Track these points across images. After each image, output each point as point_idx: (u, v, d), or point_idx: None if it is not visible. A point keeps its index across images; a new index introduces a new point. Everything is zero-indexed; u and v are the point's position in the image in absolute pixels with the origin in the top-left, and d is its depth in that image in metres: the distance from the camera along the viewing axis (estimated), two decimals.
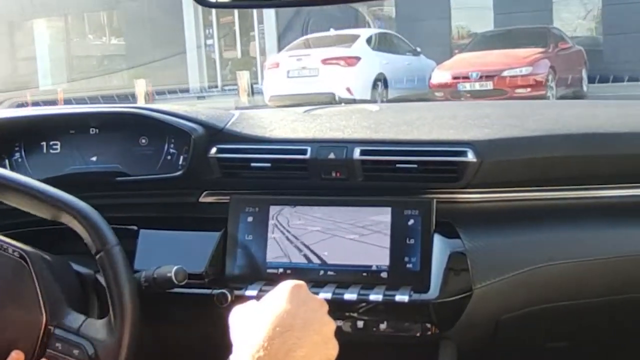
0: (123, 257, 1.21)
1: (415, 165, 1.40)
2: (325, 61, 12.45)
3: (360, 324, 1.33)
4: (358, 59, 12.59)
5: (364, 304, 1.32)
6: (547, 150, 1.42)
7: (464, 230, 1.37)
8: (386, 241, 1.35)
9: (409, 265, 1.33)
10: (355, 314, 1.33)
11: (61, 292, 1.22)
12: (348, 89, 11.97)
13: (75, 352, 1.18)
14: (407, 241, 1.34)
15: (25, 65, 20.90)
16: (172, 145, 1.52)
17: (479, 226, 1.39)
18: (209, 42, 19.85)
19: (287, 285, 0.98)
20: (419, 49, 14.48)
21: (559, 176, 1.43)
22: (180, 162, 1.50)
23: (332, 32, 13.74)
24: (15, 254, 1.20)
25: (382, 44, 13.81)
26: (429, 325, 1.33)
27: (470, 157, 1.37)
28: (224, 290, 1.34)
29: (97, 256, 1.21)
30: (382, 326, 1.33)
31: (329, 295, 1.31)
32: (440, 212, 1.36)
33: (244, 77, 14.55)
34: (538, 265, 1.36)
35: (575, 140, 1.44)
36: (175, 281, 1.26)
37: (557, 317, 1.46)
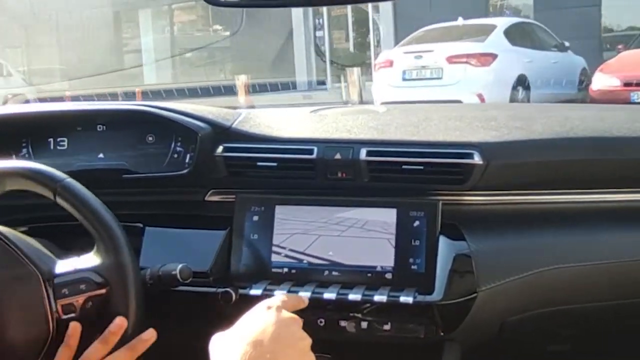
0: (80, 185, 1.22)
1: (421, 167, 1.40)
2: (451, 59, 9.80)
3: (364, 324, 1.33)
4: (494, 56, 9.87)
5: (368, 305, 1.32)
6: (553, 154, 1.42)
7: (469, 232, 1.37)
8: (391, 242, 1.35)
9: (414, 267, 1.33)
10: (359, 315, 1.33)
11: (38, 250, 1.21)
12: (479, 95, 9.34)
13: (82, 286, 1.17)
14: (413, 242, 1.34)
15: (130, 59, 20.19)
16: (178, 144, 1.52)
17: (484, 228, 1.39)
18: (319, 33, 17.83)
19: (259, 306, 1.03)
20: (567, 44, 11.56)
21: (565, 179, 1.43)
22: (187, 161, 1.50)
23: (461, 21, 11.01)
24: None
25: (522, 37, 10.89)
26: (433, 327, 1.33)
27: (477, 159, 1.37)
28: (228, 289, 1.34)
29: (56, 198, 1.20)
30: (386, 327, 1.33)
31: (333, 296, 1.31)
32: (445, 214, 1.36)
33: (354, 73, 12.43)
34: (543, 268, 1.36)
35: (582, 143, 1.44)
36: (180, 279, 1.26)
37: (562, 320, 1.46)
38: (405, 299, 1.29)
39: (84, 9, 18.91)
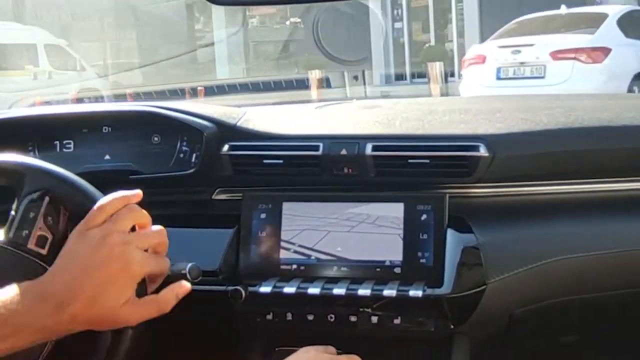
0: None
1: (427, 160, 1.40)
2: (557, 55, 8.42)
3: (374, 319, 1.33)
4: (607, 51, 8.41)
5: (377, 300, 1.32)
6: (559, 144, 1.42)
7: (476, 224, 1.37)
8: (399, 236, 1.35)
9: (423, 260, 1.33)
10: (369, 310, 1.33)
11: None
12: None
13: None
14: (420, 236, 1.34)
15: (204, 53, 19.74)
16: (184, 143, 1.53)
17: (491, 220, 1.39)
18: (397, 25, 16.70)
19: (307, 354, 1.06)
20: None
21: (571, 170, 1.43)
22: (193, 160, 1.51)
23: (564, 10, 9.55)
24: None
25: (638, 27, 9.11)
26: (442, 320, 1.33)
27: (483, 151, 1.37)
28: (238, 287, 1.35)
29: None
30: (396, 321, 1.33)
31: (342, 291, 1.31)
32: (453, 207, 1.36)
33: (436, 67, 11.44)
34: (552, 259, 1.35)
35: (588, 133, 1.43)
36: (189, 278, 1.27)
37: (571, 311, 1.46)
38: (415, 292, 1.29)
39: (160, 2, 18.59)
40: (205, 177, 1.50)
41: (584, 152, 1.43)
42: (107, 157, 1.55)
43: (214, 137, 1.49)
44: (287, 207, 1.41)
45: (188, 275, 1.26)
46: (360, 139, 1.44)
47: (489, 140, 1.38)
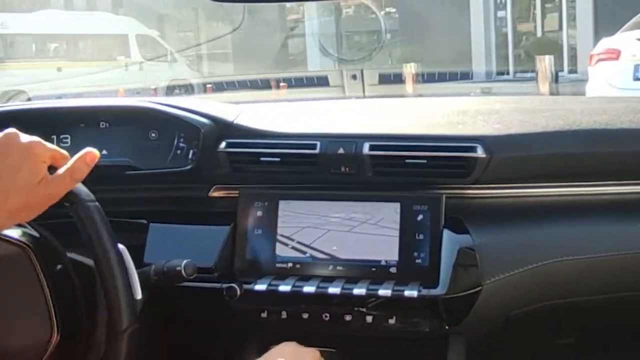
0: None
1: (424, 161, 1.40)
2: None
3: (369, 319, 1.33)
4: None
5: (373, 299, 1.32)
6: (556, 146, 1.42)
7: (473, 225, 1.37)
8: (395, 236, 1.35)
9: (418, 261, 1.33)
10: (364, 309, 1.33)
11: None
12: None
13: None
14: (417, 236, 1.34)
15: (295, 44, 19.10)
16: (181, 140, 1.52)
17: (488, 222, 1.39)
18: (500, 14, 15.01)
19: (278, 347, 1.11)
20: None
21: (568, 172, 1.43)
22: (190, 157, 1.50)
23: None
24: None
25: None
26: (438, 321, 1.33)
27: (480, 152, 1.37)
28: (233, 284, 1.34)
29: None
30: (391, 321, 1.33)
31: (338, 290, 1.31)
32: (449, 208, 1.36)
33: (545, 61, 10.26)
34: (548, 261, 1.35)
35: (585, 136, 1.43)
36: (185, 275, 1.27)
37: (567, 313, 1.46)
38: (410, 293, 1.29)
39: None
40: (202, 174, 1.50)
41: (581, 155, 1.43)
42: (104, 152, 1.55)
43: (211, 134, 1.49)
44: (283, 205, 1.41)
45: (183, 272, 1.26)
46: (358, 138, 1.44)
47: (486, 141, 1.38)
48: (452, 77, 10.79)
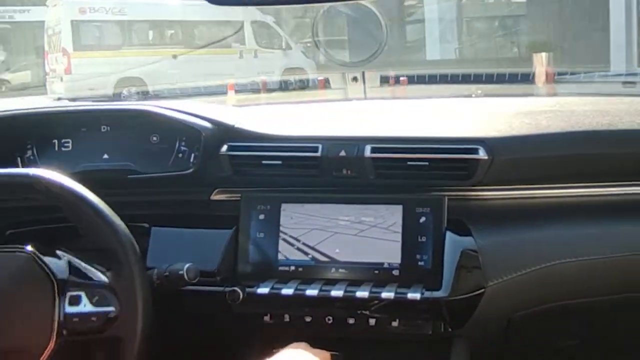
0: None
1: (426, 163, 1.40)
2: None
3: (372, 321, 1.33)
4: None
5: (375, 302, 1.31)
6: (558, 148, 1.41)
7: (475, 227, 1.36)
8: (398, 239, 1.35)
9: (421, 263, 1.33)
10: (367, 312, 1.33)
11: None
12: None
13: (93, 318, 1.19)
14: (419, 239, 1.34)
15: (413, 30, 17.61)
16: (183, 143, 1.52)
17: (490, 224, 1.39)
18: None
19: (289, 348, 1.11)
20: None
21: (570, 173, 1.42)
22: (192, 160, 1.50)
23: None
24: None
25: None
26: (440, 323, 1.33)
27: (482, 154, 1.37)
28: (235, 288, 1.34)
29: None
30: (394, 324, 1.33)
31: (340, 293, 1.31)
32: (451, 210, 1.35)
33: None
34: (550, 262, 1.35)
35: (587, 137, 1.43)
36: (187, 279, 1.26)
37: (570, 315, 1.45)
38: (413, 295, 1.29)
39: None
40: (203, 177, 1.50)
41: (583, 156, 1.43)
42: (106, 156, 1.55)
43: (213, 138, 1.48)
44: (285, 208, 1.41)
45: (185, 276, 1.26)
46: (360, 141, 1.43)
47: (488, 143, 1.38)
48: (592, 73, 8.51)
